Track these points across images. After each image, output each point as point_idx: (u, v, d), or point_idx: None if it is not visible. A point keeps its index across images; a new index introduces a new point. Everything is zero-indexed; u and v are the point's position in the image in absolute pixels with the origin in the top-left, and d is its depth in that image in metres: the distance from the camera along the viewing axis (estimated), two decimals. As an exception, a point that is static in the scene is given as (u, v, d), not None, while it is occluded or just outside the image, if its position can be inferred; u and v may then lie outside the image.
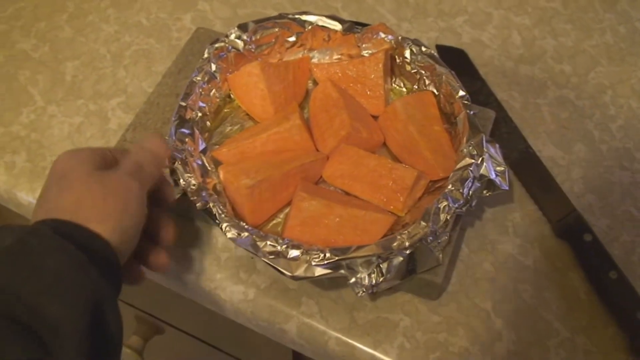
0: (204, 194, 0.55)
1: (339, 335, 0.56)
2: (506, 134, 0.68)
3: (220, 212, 0.54)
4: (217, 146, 0.63)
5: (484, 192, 0.57)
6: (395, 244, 0.52)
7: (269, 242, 0.52)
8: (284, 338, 0.59)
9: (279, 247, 0.52)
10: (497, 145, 0.59)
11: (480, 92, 0.71)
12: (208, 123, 0.64)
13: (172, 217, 0.53)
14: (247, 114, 0.66)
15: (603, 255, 0.59)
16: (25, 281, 0.40)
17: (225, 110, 0.66)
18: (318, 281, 0.58)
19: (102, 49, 0.75)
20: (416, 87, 0.66)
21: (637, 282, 0.59)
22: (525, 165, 0.66)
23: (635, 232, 0.62)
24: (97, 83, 0.72)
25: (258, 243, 0.52)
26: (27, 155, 0.67)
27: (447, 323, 0.57)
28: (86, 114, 0.70)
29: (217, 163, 0.61)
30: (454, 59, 0.74)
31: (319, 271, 0.51)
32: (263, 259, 0.52)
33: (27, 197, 0.65)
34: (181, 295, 0.64)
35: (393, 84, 0.68)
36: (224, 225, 0.53)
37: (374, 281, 0.52)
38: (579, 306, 0.58)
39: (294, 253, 0.52)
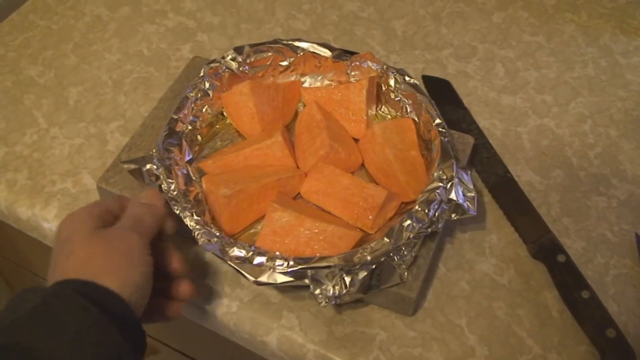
0: (182, 201, 0.58)
1: (317, 348, 0.58)
2: (486, 159, 0.70)
3: (192, 221, 0.57)
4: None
5: (452, 215, 0.60)
6: (356, 257, 0.55)
7: (236, 248, 0.55)
8: (265, 350, 0.61)
9: (245, 254, 0.55)
10: (469, 172, 0.62)
11: (463, 120, 0.74)
12: (199, 137, 0.68)
13: (176, 249, 0.55)
14: (238, 131, 0.70)
15: (576, 275, 0.61)
16: (48, 341, 0.42)
17: (218, 127, 0.70)
18: (298, 295, 0.61)
19: (104, 76, 0.79)
20: (399, 114, 0.69)
21: (608, 302, 0.61)
22: (503, 189, 0.68)
23: (609, 254, 0.64)
24: (98, 107, 0.76)
25: (226, 249, 0.56)
26: (29, 173, 0.70)
27: (422, 338, 0.59)
28: (86, 136, 0.73)
29: (203, 174, 0.65)
30: (439, 89, 0.77)
31: (281, 278, 0.54)
32: (229, 262, 0.55)
33: (26, 213, 0.68)
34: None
35: (379, 111, 0.71)
36: (196, 232, 0.57)
37: (337, 293, 0.55)
38: (551, 323, 0.60)
39: (259, 260, 0.55)
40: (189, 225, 0.57)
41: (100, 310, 0.44)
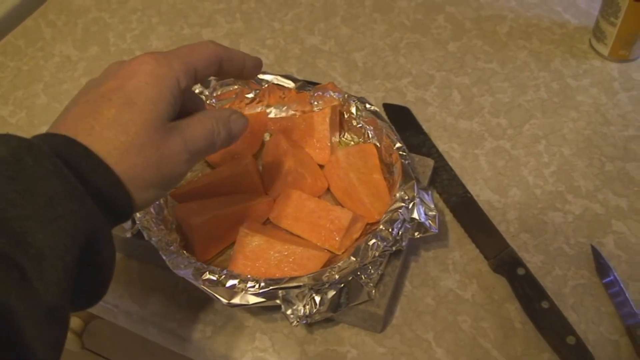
0: (155, 229, 0.60)
1: (291, 368, 0.60)
2: (447, 181, 0.73)
3: (164, 248, 0.59)
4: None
5: (415, 234, 0.62)
6: (325, 276, 0.57)
7: (208, 273, 0.57)
8: (240, 373, 0.62)
9: (218, 277, 0.57)
10: (430, 192, 0.65)
11: (423, 144, 0.77)
12: None
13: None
14: (207, 162, 0.72)
15: (535, 287, 0.64)
16: (12, 204, 0.36)
17: (187, 159, 0.72)
18: (271, 318, 0.63)
19: (74, 114, 0.81)
20: (362, 140, 0.72)
21: (568, 311, 0.63)
22: (464, 208, 0.71)
23: (567, 266, 0.67)
24: (69, 144, 0.78)
25: (199, 274, 0.58)
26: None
27: (392, 354, 0.61)
28: (58, 173, 0.75)
29: (174, 203, 0.67)
30: (399, 116, 0.80)
31: (253, 299, 0.56)
32: (202, 286, 0.57)
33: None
34: (149, 344, 0.68)
35: (342, 138, 0.74)
36: (169, 260, 0.58)
37: (307, 312, 0.57)
38: (514, 334, 0.62)
39: (231, 282, 0.57)
40: (161, 254, 0.59)
41: (81, 180, 0.39)
